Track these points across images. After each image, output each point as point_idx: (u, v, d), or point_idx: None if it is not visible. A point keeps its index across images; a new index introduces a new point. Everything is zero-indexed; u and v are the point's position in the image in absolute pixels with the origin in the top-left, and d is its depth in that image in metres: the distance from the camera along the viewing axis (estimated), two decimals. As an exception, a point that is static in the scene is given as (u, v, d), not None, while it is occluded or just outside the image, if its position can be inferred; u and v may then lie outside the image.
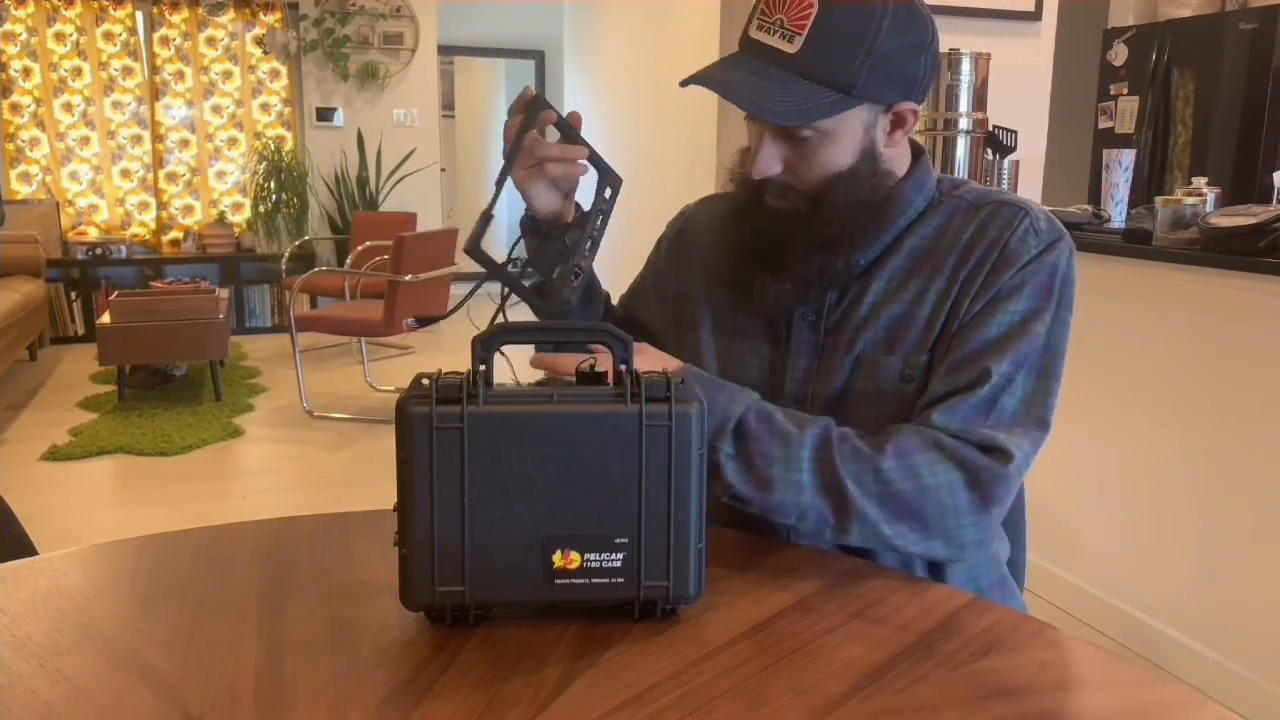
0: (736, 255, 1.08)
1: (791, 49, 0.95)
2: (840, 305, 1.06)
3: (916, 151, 1.09)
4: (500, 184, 0.99)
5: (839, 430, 0.96)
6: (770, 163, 1.01)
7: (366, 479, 3.62)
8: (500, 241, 1.18)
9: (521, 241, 1.06)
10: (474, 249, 0.96)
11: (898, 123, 1.03)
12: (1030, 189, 3.15)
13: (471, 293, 1.02)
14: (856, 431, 0.97)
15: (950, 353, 0.99)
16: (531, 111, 0.97)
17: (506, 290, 0.99)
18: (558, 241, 1.03)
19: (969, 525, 0.93)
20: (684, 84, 0.99)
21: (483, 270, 0.98)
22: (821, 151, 1.00)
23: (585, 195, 1.03)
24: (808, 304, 1.06)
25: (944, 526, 0.93)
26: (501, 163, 0.99)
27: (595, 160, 1.01)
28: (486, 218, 0.97)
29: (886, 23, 0.96)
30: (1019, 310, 0.98)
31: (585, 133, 1.02)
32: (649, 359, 1.00)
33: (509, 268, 1.02)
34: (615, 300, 1.29)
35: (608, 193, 1.01)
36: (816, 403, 1.04)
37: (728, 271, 1.09)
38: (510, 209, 1.11)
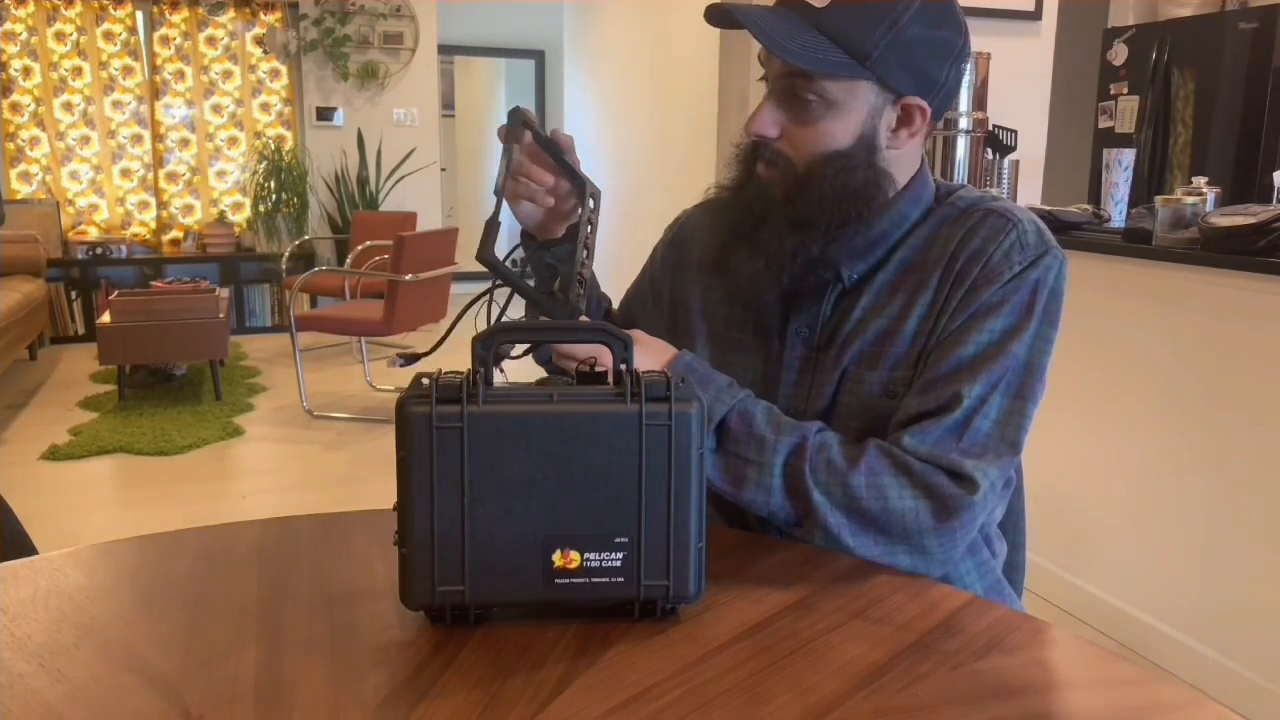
0: (726, 237, 1.07)
1: (819, 4, 0.95)
2: (832, 320, 1.05)
3: None
4: (498, 194, 1.01)
5: (819, 438, 0.96)
6: (768, 122, 1.00)
7: (366, 479, 3.63)
8: (504, 247, 1.18)
9: (520, 249, 1.07)
10: (487, 257, 0.96)
11: (905, 119, 1.01)
12: (1030, 189, 3.15)
13: (474, 302, 1.02)
14: (840, 437, 0.97)
15: (926, 369, 0.98)
16: (513, 127, 0.98)
17: (496, 284, 0.99)
18: (542, 253, 1.06)
19: (934, 545, 0.94)
20: (709, 12, 0.99)
21: (487, 281, 0.99)
22: (822, 122, 0.98)
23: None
24: (780, 289, 1.04)
25: (907, 543, 0.94)
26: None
27: (571, 174, 1.01)
28: (494, 225, 0.97)
29: (916, 6, 0.96)
30: (998, 329, 0.97)
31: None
32: (645, 347, 1.00)
33: (514, 268, 1.03)
34: (616, 303, 1.29)
35: (590, 202, 1.01)
36: (809, 418, 1.03)
37: (716, 254, 1.08)
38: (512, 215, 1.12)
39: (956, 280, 0.99)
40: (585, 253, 0.99)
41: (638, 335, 1.00)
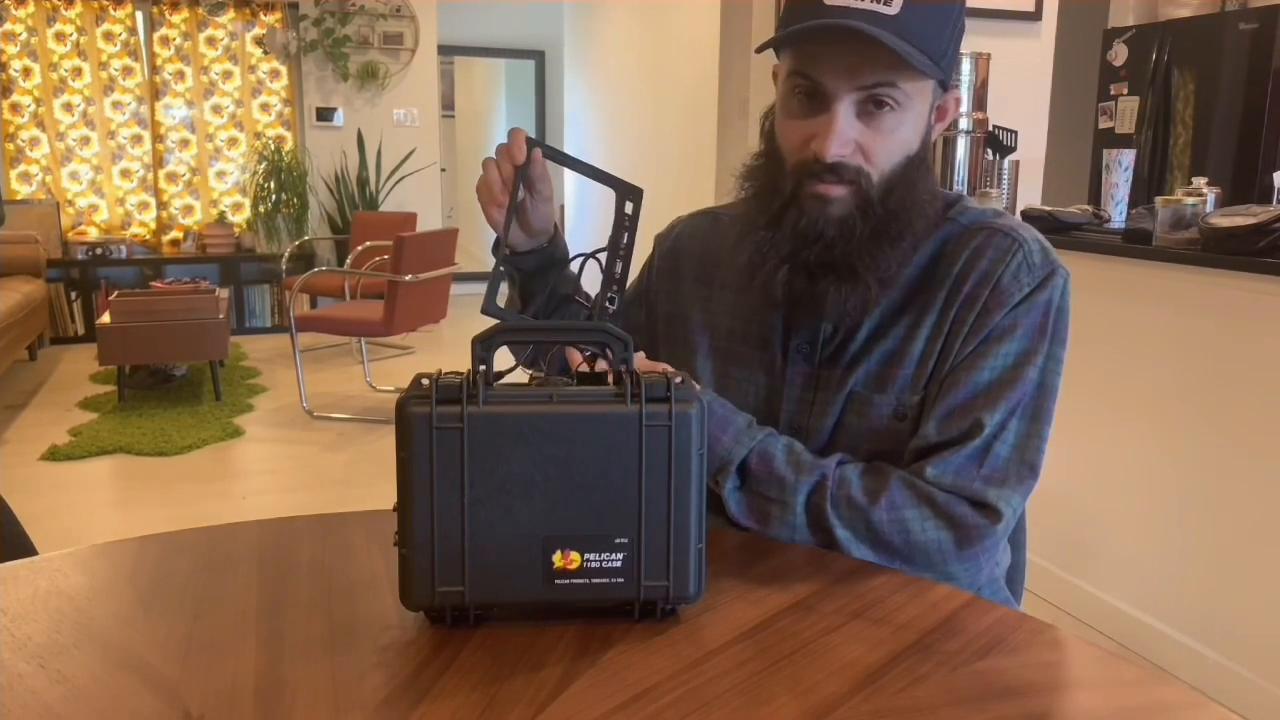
0: (788, 271, 0.98)
1: (890, 10, 0.90)
2: (835, 338, 1.03)
3: None
4: (502, 245, 1.01)
5: (839, 474, 0.96)
6: (846, 141, 0.93)
7: (366, 479, 3.62)
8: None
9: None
10: (491, 309, 0.95)
11: (940, 114, 1.00)
12: (1030, 189, 3.15)
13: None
14: (861, 469, 0.97)
15: (942, 396, 0.98)
16: (526, 163, 0.97)
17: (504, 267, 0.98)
18: (528, 273, 1.06)
19: (958, 571, 0.96)
20: (768, 45, 0.95)
21: (482, 283, 0.98)
22: (900, 128, 0.95)
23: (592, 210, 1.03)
24: (877, 308, 1.01)
25: (932, 571, 0.95)
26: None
27: (606, 178, 0.98)
28: (498, 276, 0.96)
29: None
30: (1011, 353, 0.97)
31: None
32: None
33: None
34: None
35: (628, 207, 0.96)
36: (811, 435, 1.03)
37: (778, 292, 1.00)
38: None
39: (965, 303, 0.98)
40: (621, 266, 0.96)
41: (664, 369, 0.99)
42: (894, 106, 0.93)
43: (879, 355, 1.01)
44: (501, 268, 0.99)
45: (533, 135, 0.99)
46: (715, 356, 1.11)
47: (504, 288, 0.98)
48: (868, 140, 0.95)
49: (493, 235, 1.04)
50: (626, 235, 0.96)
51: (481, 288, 0.98)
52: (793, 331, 1.05)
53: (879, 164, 0.95)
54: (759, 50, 1.00)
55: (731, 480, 0.97)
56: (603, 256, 0.97)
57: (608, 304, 0.97)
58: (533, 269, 1.09)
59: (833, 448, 1.02)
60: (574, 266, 1.09)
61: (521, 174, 0.97)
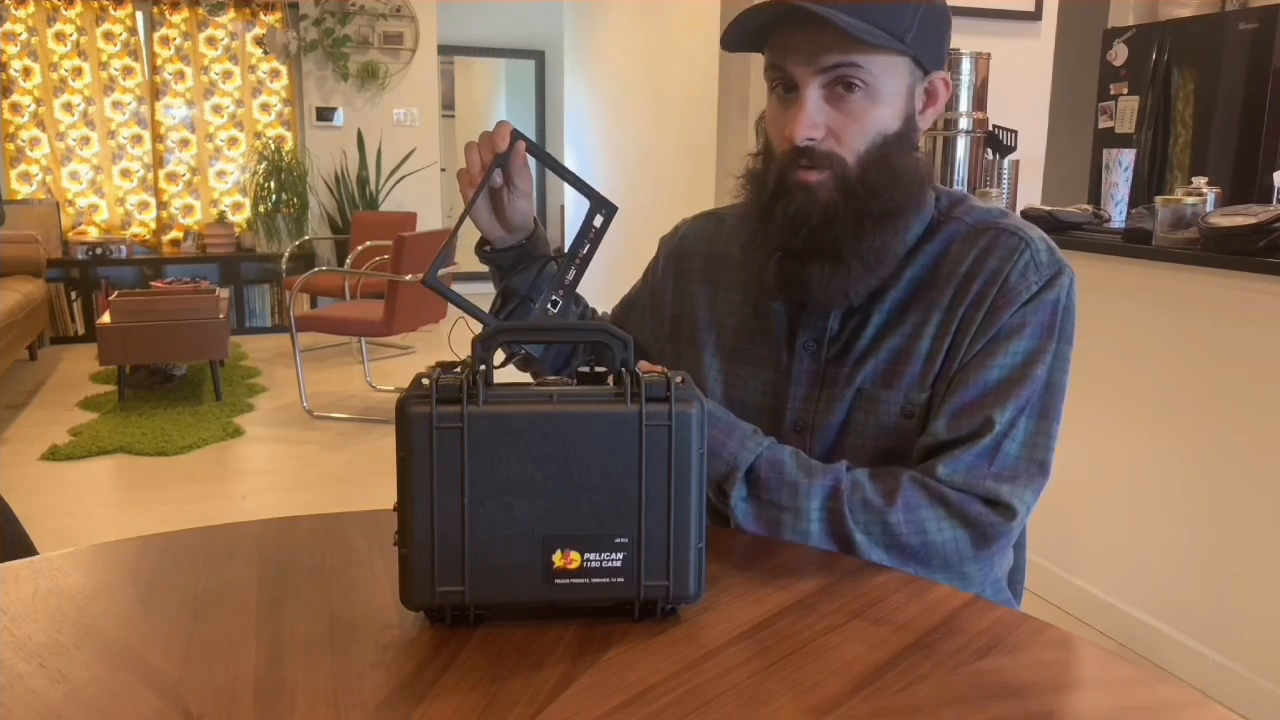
0: (779, 258, 1.00)
1: None
2: (841, 335, 1.04)
3: None
4: (460, 219, 1.02)
5: (851, 478, 0.96)
6: (814, 124, 0.94)
7: (366, 479, 3.62)
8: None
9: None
10: (432, 281, 0.95)
11: (930, 98, 1.00)
12: (1030, 189, 3.15)
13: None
14: (869, 472, 0.97)
15: (951, 394, 0.98)
16: (507, 152, 0.97)
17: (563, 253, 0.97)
18: (510, 269, 1.06)
19: (973, 571, 0.97)
20: (729, 38, 0.96)
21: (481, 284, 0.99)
22: (871, 110, 0.95)
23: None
24: (872, 292, 1.01)
25: (947, 571, 0.96)
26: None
27: (584, 188, 0.99)
28: (448, 251, 0.97)
29: None
30: (1020, 351, 0.97)
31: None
32: None
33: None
34: (602, 310, 1.29)
35: (598, 220, 0.97)
36: (817, 433, 1.03)
37: (771, 279, 1.01)
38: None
39: (974, 301, 0.98)
40: (574, 274, 0.97)
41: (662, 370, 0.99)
42: (862, 87, 0.94)
43: (886, 352, 1.01)
44: (452, 243, 0.99)
45: (532, 134, 1.00)
46: (722, 354, 1.12)
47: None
48: (838, 124, 0.95)
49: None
50: (589, 246, 0.97)
51: (482, 288, 0.98)
52: (799, 328, 1.06)
53: (852, 146, 0.96)
54: (723, 43, 1.00)
55: (739, 488, 0.96)
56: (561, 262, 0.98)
57: (550, 307, 0.97)
58: (511, 265, 1.10)
59: (839, 446, 1.02)
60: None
61: (499, 162, 0.98)
